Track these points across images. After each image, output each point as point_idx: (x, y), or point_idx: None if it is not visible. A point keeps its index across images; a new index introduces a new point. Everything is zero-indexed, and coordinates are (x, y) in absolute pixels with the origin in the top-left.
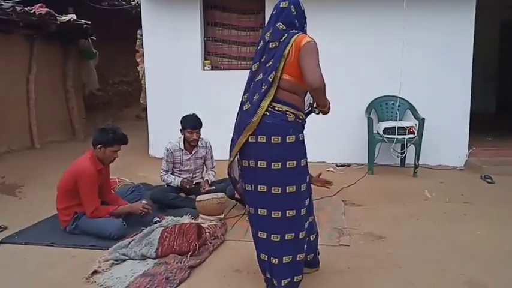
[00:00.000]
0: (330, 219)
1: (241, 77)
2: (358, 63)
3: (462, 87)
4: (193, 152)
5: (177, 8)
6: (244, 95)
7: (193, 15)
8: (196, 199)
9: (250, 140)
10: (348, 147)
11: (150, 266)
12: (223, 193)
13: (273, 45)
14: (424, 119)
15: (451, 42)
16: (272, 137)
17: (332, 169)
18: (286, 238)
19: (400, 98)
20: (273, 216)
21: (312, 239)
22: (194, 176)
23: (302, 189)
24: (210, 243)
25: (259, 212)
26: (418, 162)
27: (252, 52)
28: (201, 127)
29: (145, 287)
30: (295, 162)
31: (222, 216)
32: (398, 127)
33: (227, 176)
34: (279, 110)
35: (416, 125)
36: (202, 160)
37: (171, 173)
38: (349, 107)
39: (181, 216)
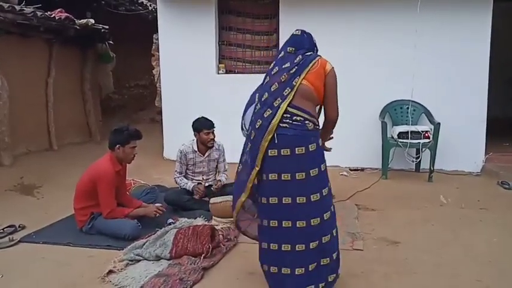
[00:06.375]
0: (344, 224)
1: (255, 80)
2: (373, 67)
3: (479, 91)
4: (207, 154)
5: (193, 12)
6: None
7: (208, 20)
8: (210, 201)
9: (270, 154)
10: (361, 151)
11: (164, 266)
12: None
13: (299, 59)
14: (439, 123)
15: (466, 45)
16: (296, 149)
17: (345, 173)
18: (311, 247)
19: (414, 102)
20: (298, 226)
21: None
22: (207, 178)
23: (324, 194)
24: (223, 245)
25: (283, 225)
26: (433, 167)
27: (266, 56)
28: (214, 127)
29: (159, 287)
30: (317, 169)
31: None
32: (413, 131)
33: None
34: (298, 120)
35: (431, 129)
36: (216, 162)
37: (184, 176)
38: (362, 110)
39: (195, 218)
